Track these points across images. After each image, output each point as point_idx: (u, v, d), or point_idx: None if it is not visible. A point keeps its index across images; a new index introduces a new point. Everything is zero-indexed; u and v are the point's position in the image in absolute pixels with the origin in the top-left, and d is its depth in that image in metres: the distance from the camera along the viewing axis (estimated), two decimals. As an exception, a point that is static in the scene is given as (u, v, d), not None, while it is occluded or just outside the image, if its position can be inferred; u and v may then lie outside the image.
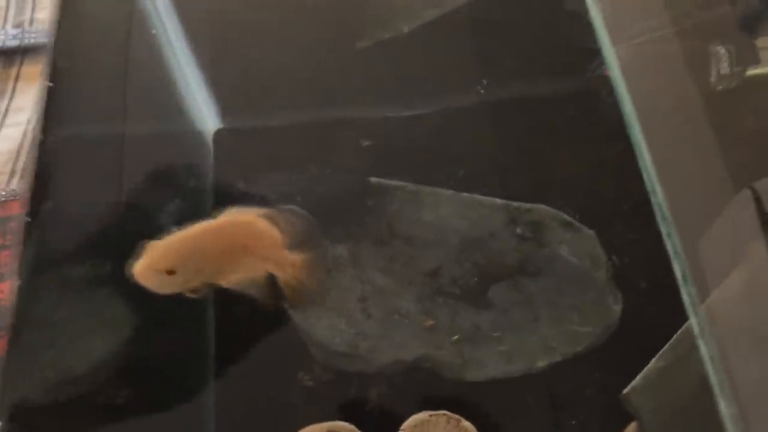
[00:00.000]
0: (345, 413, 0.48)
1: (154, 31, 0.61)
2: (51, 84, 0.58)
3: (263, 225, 0.47)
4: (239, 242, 0.46)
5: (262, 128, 0.57)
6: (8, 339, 0.45)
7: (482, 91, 0.57)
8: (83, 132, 0.57)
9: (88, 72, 0.58)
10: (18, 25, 0.79)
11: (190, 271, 0.45)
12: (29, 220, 0.52)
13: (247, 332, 0.51)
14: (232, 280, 0.47)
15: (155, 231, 0.44)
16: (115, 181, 0.52)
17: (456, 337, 0.50)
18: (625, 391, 0.48)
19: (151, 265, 0.44)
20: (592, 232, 0.53)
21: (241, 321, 0.51)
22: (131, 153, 0.54)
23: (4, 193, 0.64)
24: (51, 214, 0.51)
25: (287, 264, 0.47)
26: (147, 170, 0.53)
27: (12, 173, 0.67)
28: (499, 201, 0.54)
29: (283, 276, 0.48)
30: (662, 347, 0.48)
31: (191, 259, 0.45)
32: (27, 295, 0.46)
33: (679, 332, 0.49)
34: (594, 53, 0.56)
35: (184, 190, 0.52)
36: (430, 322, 0.51)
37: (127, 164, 0.53)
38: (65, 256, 0.49)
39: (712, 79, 0.48)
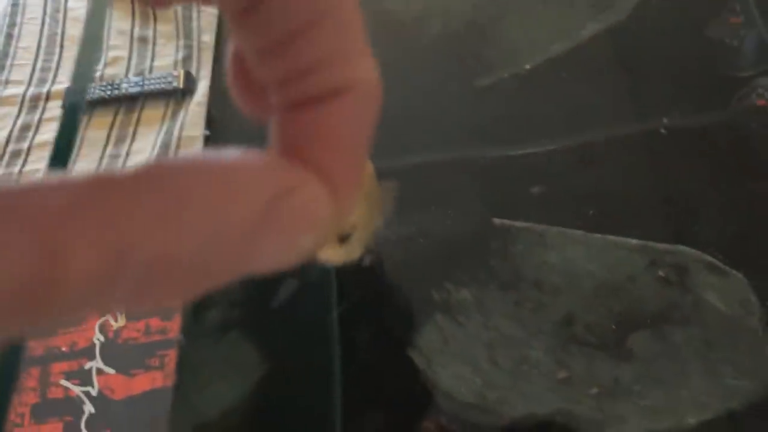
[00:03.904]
0: (474, 467, 0.46)
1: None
2: (207, 132, 0.60)
3: None
4: None
5: (382, 170, 0.57)
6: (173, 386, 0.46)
7: (614, 128, 0.54)
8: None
9: (238, 121, 0.60)
10: (139, 74, 0.84)
11: None
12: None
13: (372, 379, 0.50)
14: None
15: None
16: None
17: (594, 390, 0.47)
18: (792, 455, 0.43)
19: None
20: (740, 276, 0.49)
21: (367, 368, 0.50)
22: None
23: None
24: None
25: None
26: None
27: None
28: (634, 242, 0.51)
29: None
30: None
31: None
32: (186, 342, 0.47)
33: None
34: (739, 82, 0.52)
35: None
36: (564, 374, 0.48)
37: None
38: (209, 301, 0.50)
39: None
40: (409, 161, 0.57)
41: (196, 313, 0.50)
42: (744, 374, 0.46)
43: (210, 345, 0.49)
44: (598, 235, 0.51)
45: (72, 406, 0.58)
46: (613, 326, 0.48)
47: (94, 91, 0.84)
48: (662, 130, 0.51)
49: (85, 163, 0.79)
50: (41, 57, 0.88)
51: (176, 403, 0.46)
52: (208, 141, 0.62)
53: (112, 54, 0.87)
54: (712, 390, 0.46)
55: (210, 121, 0.60)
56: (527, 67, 0.57)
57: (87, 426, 0.57)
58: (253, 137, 0.64)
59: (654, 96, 0.54)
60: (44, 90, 0.86)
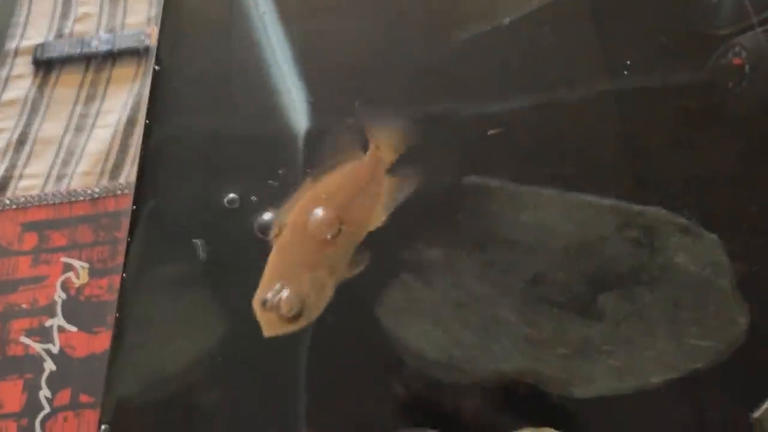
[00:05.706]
0: (439, 426, 0.46)
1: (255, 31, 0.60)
2: (158, 67, 0.58)
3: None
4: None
5: (354, 128, 0.55)
6: (112, 340, 0.45)
7: (590, 84, 0.53)
8: (183, 130, 0.57)
9: (190, 69, 0.58)
10: (110, 30, 0.81)
11: None
12: (134, 211, 0.51)
13: (338, 337, 0.49)
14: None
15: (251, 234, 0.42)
16: (214, 180, 0.52)
17: (563, 350, 0.47)
18: (755, 414, 0.43)
19: None
20: (714, 237, 0.48)
21: (333, 325, 0.49)
22: (229, 152, 0.54)
23: (98, 190, 0.65)
24: (152, 211, 0.51)
25: None
26: (244, 171, 0.52)
27: (102, 173, 0.69)
28: (608, 202, 0.50)
29: None
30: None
31: None
32: (129, 293, 0.46)
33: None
34: (718, 40, 0.51)
35: (278, 191, 0.51)
36: (533, 333, 0.47)
37: (224, 163, 0.53)
38: (163, 255, 0.49)
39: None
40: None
41: (154, 266, 0.49)
42: (710, 335, 0.46)
43: (170, 300, 0.48)
44: (572, 195, 0.50)
45: (32, 363, 0.56)
46: (583, 287, 0.48)
47: (63, 48, 0.81)
48: (625, 72, 0.50)
49: (53, 122, 0.76)
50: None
51: (119, 358, 0.45)
52: (157, 75, 0.59)
53: (81, 10, 0.84)
54: (678, 350, 0.45)
55: (159, 60, 0.58)
56: (507, 21, 0.56)
57: (48, 383, 0.55)
58: (201, 75, 0.62)
59: (632, 53, 0.54)
60: (12, 46, 0.83)
